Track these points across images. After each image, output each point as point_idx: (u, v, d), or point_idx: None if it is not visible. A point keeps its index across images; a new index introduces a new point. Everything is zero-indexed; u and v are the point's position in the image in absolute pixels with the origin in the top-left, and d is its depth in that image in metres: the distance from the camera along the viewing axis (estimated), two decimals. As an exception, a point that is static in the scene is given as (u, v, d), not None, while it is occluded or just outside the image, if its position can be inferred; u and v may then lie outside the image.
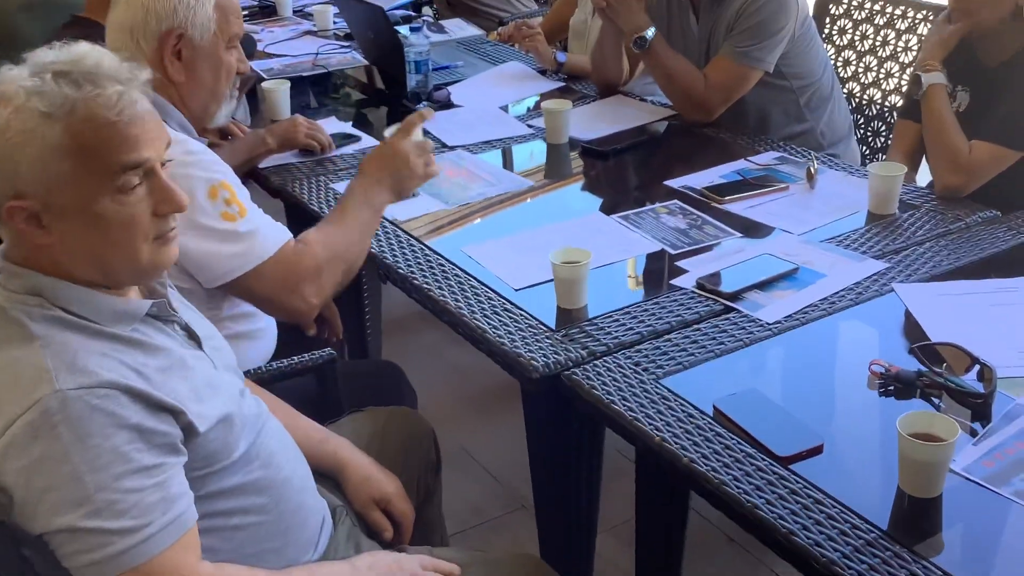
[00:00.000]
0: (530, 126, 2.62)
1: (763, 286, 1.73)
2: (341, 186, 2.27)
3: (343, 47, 3.34)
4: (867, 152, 2.94)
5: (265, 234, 1.70)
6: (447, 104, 2.81)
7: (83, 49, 1.19)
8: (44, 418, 1.09)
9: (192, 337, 1.32)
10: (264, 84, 2.74)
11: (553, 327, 1.68)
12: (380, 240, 2.02)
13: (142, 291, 1.30)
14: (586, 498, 1.80)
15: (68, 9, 2.85)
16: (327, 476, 1.57)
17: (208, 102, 1.82)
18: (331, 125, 2.64)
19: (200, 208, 1.63)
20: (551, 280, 1.76)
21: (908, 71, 2.84)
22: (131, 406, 1.14)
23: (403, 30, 3.02)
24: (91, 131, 1.14)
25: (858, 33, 3.01)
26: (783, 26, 2.48)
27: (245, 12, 3.41)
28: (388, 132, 2.00)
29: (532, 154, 2.50)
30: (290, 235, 1.74)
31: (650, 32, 2.50)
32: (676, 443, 1.37)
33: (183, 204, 1.22)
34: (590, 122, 2.60)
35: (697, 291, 1.75)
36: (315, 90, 3.06)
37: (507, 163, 2.45)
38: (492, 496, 2.58)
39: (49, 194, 1.15)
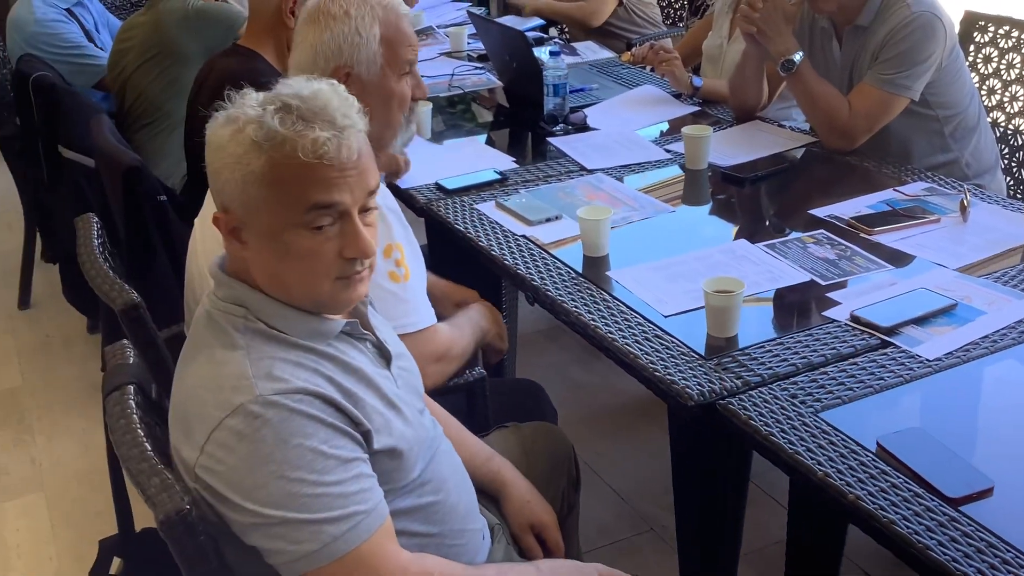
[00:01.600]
0: (667, 151, 2.63)
1: (920, 321, 1.71)
2: (485, 207, 2.33)
3: (478, 68, 3.42)
4: (1012, 184, 2.87)
5: (416, 308, 1.74)
6: (583, 127, 2.85)
7: (317, 86, 1.26)
8: (247, 422, 1.16)
9: (383, 355, 1.37)
10: None
11: (703, 355, 1.69)
12: (527, 261, 2.07)
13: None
14: (731, 527, 1.80)
15: (223, 27, 2.99)
16: (487, 494, 1.61)
17: (381, 133, 1.84)
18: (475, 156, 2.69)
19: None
20: (701, 308, 1.78)
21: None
22: (325, 408, 1.21)
23: (540, 53, 3.07)
24: (289, 167, 1.20)
25: (1004, 61, 2.94)
26: (931, 54, 2.45)
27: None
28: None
29: (671, 179, 2.51)
30: (435, 319, 1.79)
31: (798, 56, 2.50)
32: (840, 479, 1.37)
33: (367, 252, 1.26)
34: (729, 148, 2.60)
35: (852, 324, 1.73)
36: (444, 109, 3.13)
37: (646, 188, 2.46)
38: (619, 517, 2.60)
39: (247, 214, 1.24)
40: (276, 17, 2.44)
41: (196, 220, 1.77)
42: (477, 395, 1.88)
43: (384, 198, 1.74)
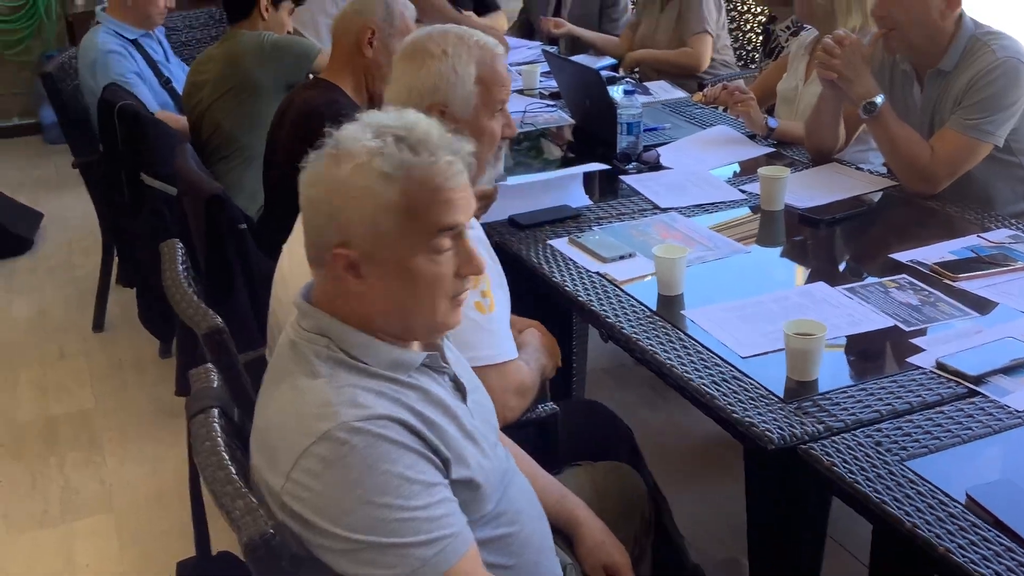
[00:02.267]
0: (742, 191, 2.61)
1: (1009, 371, 1.67)
2: (558, 243, 2.33)
3: (549, 106, 3.44)
4: (1098, 232, 2.79)
5: (502, 340, 1.74)
6: (656, 165, 2.84)
7: (414, 117, 1.29)
8: (333, 448, 1.17)
9: (459, 389, 1.38)
10: None
11: (783, 398, 1.67)
12: (601, 298, 2.06)
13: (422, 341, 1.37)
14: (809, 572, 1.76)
15: (296, 58, 3.05)
16: (559, 533, 1.59)
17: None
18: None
19: None
20: (779, 350, 1.75)
21: None
22: (408, 435, 1.21)
23: (613, 91, 3.08)
24: (422, 194, 1.24)
25: (1090, 108, 2.88)
26: (1015, 100, 2.41)
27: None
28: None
29: (746, 219, 2.49)
30: (516, 353, 1.79)
31: (880, 98, 2.47)
32: (928, 530, 1.33)
33: (482, 268, 1.30)
34: (805, 189, 2.57)
35: (937, 371, 1.69)
36: (515, 146, 3.15)
37: (720, 227, 2.44)
38: (685, 561, 2.55)
39: (373, 246, 1.25)
40: (355, 49, 2.49)
41: (284, 248, 1.80)
42: (549, 431, 1.87)
43: (473, 228, 1.75)
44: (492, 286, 1.73)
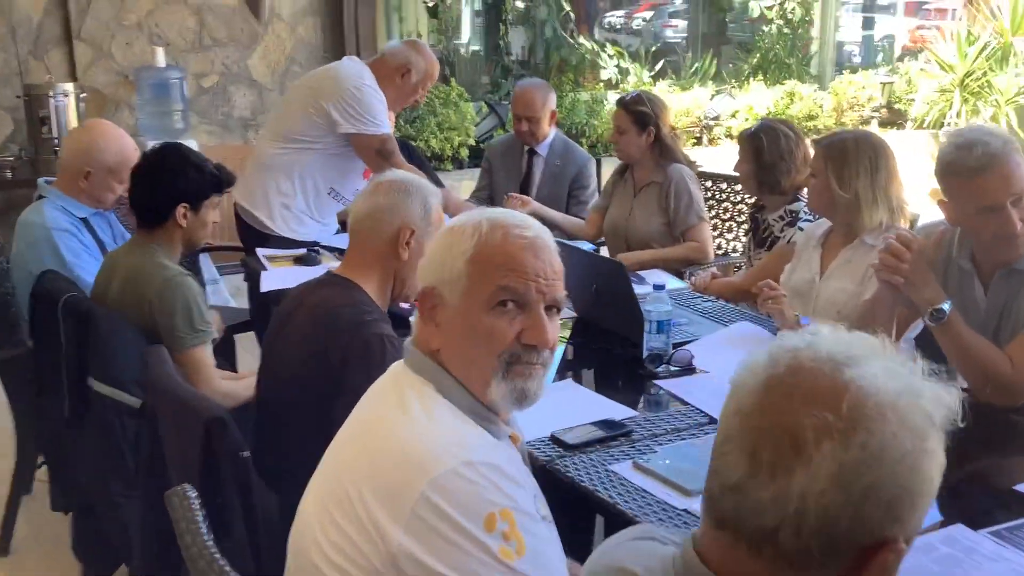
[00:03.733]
0: (797, 399, 2.34)
1: None
2: (620, 468, 2.00)
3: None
4: None
5: None
6: (689, 367, 2.56)
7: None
8: None
9: None
10: None
11: None
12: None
13: None
14: None
15: (172, 323, 2.57)
16: None
17: (467, 371, 1.51)
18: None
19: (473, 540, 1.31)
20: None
21: None
22: None
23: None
24: None
25: None
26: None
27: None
28: None
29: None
30: None
31: (947, 305, 2.27)
32: None
33: None
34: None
35: None
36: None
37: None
38: None
39: None
40: (388, 250, 2.16)
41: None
42: None
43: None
44: (518, 524, 1.34)
